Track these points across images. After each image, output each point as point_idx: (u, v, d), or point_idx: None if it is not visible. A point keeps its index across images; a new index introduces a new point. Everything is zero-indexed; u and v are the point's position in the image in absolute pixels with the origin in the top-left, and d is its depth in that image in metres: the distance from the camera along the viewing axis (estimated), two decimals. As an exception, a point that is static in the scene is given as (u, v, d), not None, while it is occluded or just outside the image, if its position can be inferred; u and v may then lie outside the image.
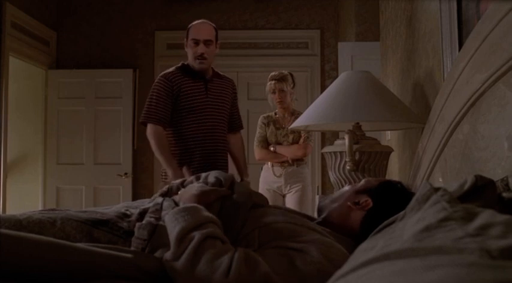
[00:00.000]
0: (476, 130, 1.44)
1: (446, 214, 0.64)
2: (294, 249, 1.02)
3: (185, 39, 2.64)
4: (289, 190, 3.31)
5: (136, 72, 4.81)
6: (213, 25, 2.68)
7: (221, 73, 2.79)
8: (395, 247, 0.61)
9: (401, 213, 0.82)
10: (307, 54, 4.89)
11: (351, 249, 0.97)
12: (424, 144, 1.92)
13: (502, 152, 1.26)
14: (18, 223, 1.10)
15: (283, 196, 3.34)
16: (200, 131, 2.58)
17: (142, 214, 1.20)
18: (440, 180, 1.76)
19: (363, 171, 2.05)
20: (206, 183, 1.34)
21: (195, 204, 1.10)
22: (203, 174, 1.42)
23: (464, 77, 1.50)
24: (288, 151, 3.27)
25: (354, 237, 1.18)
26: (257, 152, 3.38)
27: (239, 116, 2.90)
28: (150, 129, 2.52)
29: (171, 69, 2.64)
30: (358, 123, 2.14)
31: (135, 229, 1.11)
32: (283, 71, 3.35)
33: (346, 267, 0.66)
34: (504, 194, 1.11)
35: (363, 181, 1.34)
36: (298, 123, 2.16)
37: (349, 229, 1.22)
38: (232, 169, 2.80)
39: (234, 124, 2.84)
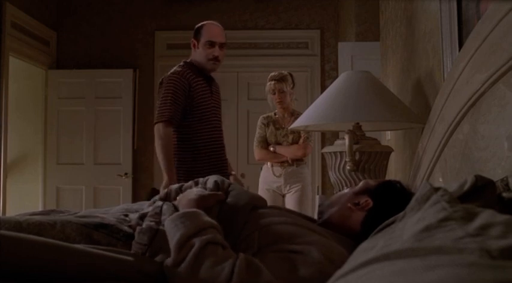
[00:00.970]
0: (476, 130, 1.44)
1: (446, 214, 0.64)
2: (294, 251, 1.02)
3: (194, 39, 2.61)
4: (288, 190, 3.31)
5: (136, 72, 4.81)
6: (222, 27, 2.68)
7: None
8: (395, 247, 0.61)
9: (401, 213, 0.82)
10: (307, 54, 4.89)
11: (351, 249, 0.97)
12: (424, 144, 1.92)
13: (502, 152, 1.26)
14: (18, 225, 1.10)
15: (283, 196, 3.34)
16: (209, 130, 2.59)
17: (142, 218, 1.20)
18: (441, 180, 1.76)
19: (363, 171, 2.05)
20: (205, 188, 1.34)
21: (195, 209, 1.09)
22: (201, 179, 1.42)
23: (464, 77, 1.50)
24: (287, 152, 3.27)
25: (355, 237, 1.18)
26: (257, 152, 3.38)
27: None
28: (162, 128, 2.45)
29: (178, 68, 2.58)
30: (358, 123, 2.14)
31: (136, 234, 1.11)
32: (283, 71, 3.35)
33: (346, 267, 0.66)
34: (504, 194, 1.11)
35: (361, 183, 1.33)
36: (298, 123, 2.16)
37: (350, 230, 1.22)
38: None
39: None
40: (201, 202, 1.19)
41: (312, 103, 2.28)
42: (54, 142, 4.72)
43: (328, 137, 4.69)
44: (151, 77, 4.83)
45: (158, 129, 2.46)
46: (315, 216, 1.36)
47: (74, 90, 4.74)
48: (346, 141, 1.98)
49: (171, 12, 4.88)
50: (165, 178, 2.42)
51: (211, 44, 2.56)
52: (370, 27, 3.82)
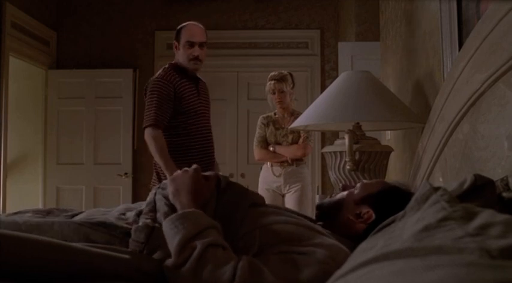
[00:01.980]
0: (476, 130, 1.44)
1: (445, 214, 0.64)
2: (298, 252, 1.01)
3: (176, 41, 2.65)
4: (288, 190, 3.31)
5: (136, 72, 4.81)
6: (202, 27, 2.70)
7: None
8: (395, 247, 0.61)
9: (401, 212, 0.82)
10: (307, 54, 4.89)
11: (351, 250, 0.96)
12: (424, 143, 1.92)
13: (502, 152, 1.26)
14: (17, 226, 1.10)
15: (283, 196, 3.34)
16: (198, 131, 2.62)
17: (139, 215, 1.19)
18: (441, 179, 1.76)
19: (363, 171, 2.05)
20: None
21: (193, 209, 1.07)
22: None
23: (464, 77, 1.50)
24: (287, 151, 3.27)
25: (355, 239, 1.17)
26: (256, 152, 3.38)
27: None
28: (151, 132, 2.50)
29: (162, 72, 2.63)
30: (358, 123, 2.14)
31: (132, 231, 1.10)
32: (283, 71, 3.35)
33: (345, 267, 0.66)
34: (504, 194, 1.11)
35: (360, 189, 1.28)
36: (298, 123, 2.16)
37: (351, 237, 1.20)
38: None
39: None
40: (196, 178, 1.16)
41: (312, 103, 2.27)
42: (54, 143, 4.72)
43: (328, 137, 4.69)
44: (151, 77, 4.82)
45: (148, 134, 2.52)
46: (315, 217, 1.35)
47: (74, 90, 4.74)
48: (346, 141, 1.98)
49: (171, 12, 4.88)
50: (167, 175, 2.42)
51: (190, 44, 2.59)
52: (370, 27, 3.81)
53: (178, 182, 1.17)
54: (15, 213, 1.33)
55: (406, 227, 0.68)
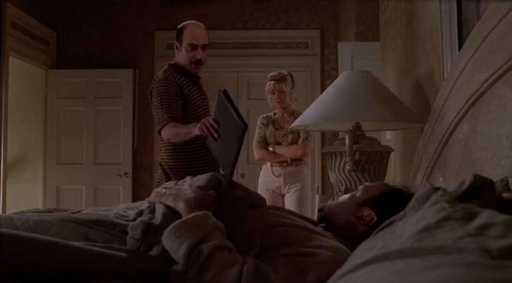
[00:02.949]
0: (476, 130, 1.44)
1: (446, 214, 0.64)
2: (301, 254, 1.01)
3: (177, 42, 2.58)
4: (288, 190, 3.31)
5: (136, 72, 4.81)
6: (204, 27, 2.64)
7: None
8: (395, 247, 0.61)
9: (401, 213, 0.82)
10: (307, 54, 4.89)
11: (352, 251, 0.97)
12: (424, 143, 1.92)
13: (502, 152, 1.26)
14: (15, 228, 1.10)
15: (282, 196, 3.34)
16: None
17: (140, 215, 1.20)
18: (441, 179, 1.76)
19: (363, 171, 2.05)
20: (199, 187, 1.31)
21: (196, 214, 1.06)
22: (188, 179, 1.37)
23: (464, 77, 1.50)
24: (287, 152, 3.27)
25: (356, 241, 1.17)
26: (256, 152, 3.38)
27: None
28: (169, 128, 2.37)
29: (165, 73, 2.53)
30: (358, 123, 2.14)
31: (128, 229, 1.11)
32: (283, 71, 3.35)
33: (345, 267, 0.66)
34: (504, 194, 1.11)
35: (362, 191, 1.28)
36: (297, 123, 2.16)
37: (352, 239, 1.20)
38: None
39: None
40: (201, 202, 1.17)
41: (312, 103, 2.27)
42: (54, 143, 4.72)
43: (328, 137, 4.69)
44: (151, 77, 4.80)
45: (166, 131, 2.39)
46: (315, 217, 1.35)
47: (74, 90, 4.74)
48: (346, 141, 1.98)
49: (171, 12, 4.88)
50: (194, 130, 2.22)
51: (193, 47, 2.52)
52: (370, 27, 3.81)
53: (178, 191, 1.19)
54: (16, 214, 1.33)
55: (406, 227, 0.68)
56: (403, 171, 2.56)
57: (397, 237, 0.66)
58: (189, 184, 1.29)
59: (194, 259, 0.96)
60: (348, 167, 2.03)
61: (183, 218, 1.06)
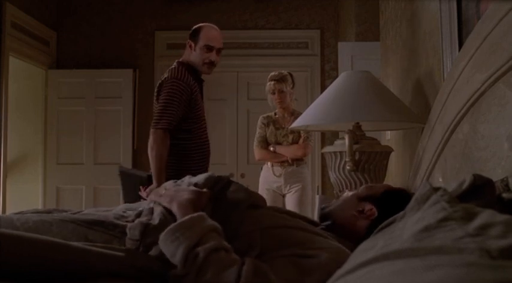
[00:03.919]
0: (476, 130, 1.44)
1: (446, 214, 0.64)
2: (301, 256, 1.01)
3: (191, 41, 2.56)
4: (288, 190, 3.31)
5: (136, 72, 4.81)
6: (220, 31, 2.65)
7: None
8: (395, 247, 0.61)
9: (401, 213, 0.82)
10: (307, 54, 4.89)
11: (352, 251, 0.97)
12: (424, 143, 1.92)
13: (502, 152, 1.26)
14: (15, 229, 1.10)
15: (283, 196, 3.34)
16: (203, 135, 2.60)
17: (139, 215, 1.20)
18: (440, 180, 1.76)
19: (363, 171, 2.05)
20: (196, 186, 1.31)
21: (191, 216, 1.05)
22: (186, 179, 1.37)
23: (465, 77, 1.50)
24: (287, 151, 3.28)
25: (357, 241, 1.17)
26: (257, 152, 3.38)
27: None
28: (161, 135, 2.40)
29: (177, 71, 2.49)
30: (358, 123, 2.14)
31: (127, 230, 1.11)
32: (283, 71, 3.35)
33: (345, 267, 0.66)
34: (504, 195, 1.11)
35: (364, 188, 1.32)
36: (298, 123, 2.16)
37: (354, 236, 1.21)
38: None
39: None
40: (196, 203, 1.16)
41: (312, 103, 2.27)
42: (54, 142, 4.72)
43: (328, 137, 4.69)
44: (151, 77, 4.83)
45: (157, 136, 2.41)
46: (315, 217, 1.35)
47: (73, 90, 4.74)
48: (346, 141, 1.98)
49: (171, 12, 4.88)
50: (154, 184, 2.37)
51: (209, 48, 2.53)
52: (370, 27, 3.81)
53: (173, 193, 1.19)
54: (16, 214, 1.33)
55: (406, 227, 0.68)
56: (403, 171, 2.56)
57: (397, 237, 0.66)
58: (188, 184, 1.29)
59: (191, 262, 0.95)
60: (348, 167, 2.03)
61: (178, 221, 1.05)
